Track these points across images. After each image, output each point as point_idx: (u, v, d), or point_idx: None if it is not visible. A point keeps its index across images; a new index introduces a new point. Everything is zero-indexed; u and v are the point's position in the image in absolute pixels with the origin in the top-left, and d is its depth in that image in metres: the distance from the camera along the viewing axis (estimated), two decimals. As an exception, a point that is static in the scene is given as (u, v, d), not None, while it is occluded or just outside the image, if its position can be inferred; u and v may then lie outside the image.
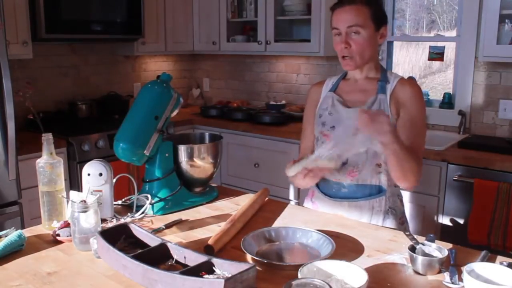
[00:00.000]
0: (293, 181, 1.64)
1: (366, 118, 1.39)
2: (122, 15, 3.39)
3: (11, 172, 2.48)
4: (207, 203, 1.74)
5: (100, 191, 1.50)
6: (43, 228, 1.48)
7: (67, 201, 1.45)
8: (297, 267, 1.13)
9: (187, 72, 4.50)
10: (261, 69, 4.09)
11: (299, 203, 3.07)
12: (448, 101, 3.16)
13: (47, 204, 1.47)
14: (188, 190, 1.72)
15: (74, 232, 1.33)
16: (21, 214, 2.59)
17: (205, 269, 1.11)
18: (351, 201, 1.66)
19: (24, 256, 1.30)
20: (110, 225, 1.46)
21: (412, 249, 1.23)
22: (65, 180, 1.54)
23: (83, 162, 2.17)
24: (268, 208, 1.69)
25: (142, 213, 1.59)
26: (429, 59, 3.30)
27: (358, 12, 1.59)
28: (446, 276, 1.17)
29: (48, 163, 1.44)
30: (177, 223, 1.54)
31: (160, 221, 1.55)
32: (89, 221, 1.32)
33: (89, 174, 1.50)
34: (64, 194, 1.49)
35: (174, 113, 1.69)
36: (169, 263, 1.19)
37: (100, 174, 1.50)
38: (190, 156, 1.70)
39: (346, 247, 1.35)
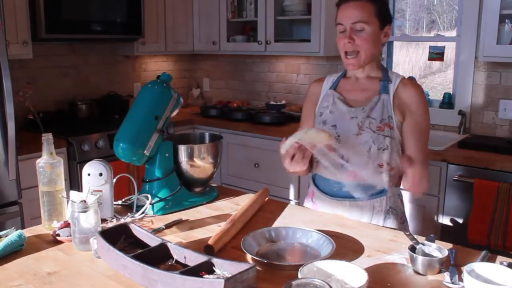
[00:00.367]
0: (283, 162, 1.56)
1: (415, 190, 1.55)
2: (122, 15, 3.39)
3: (11, 172, 2.48)
4: (207, 203, 1.74)
5: (100, 191, 1.50)
6: (43, 228, 1.48)
7: (67, 201, 1.45)
8: (297, 267, 1.13)
9: (187, 72, 4.50)
10: (261, 69, 4.09)
11: (299, 203, 3.07)
12: (448, 101, 3.16)
13: (47, 204, 1.47)
14: (188, 190, 1.72)
15: (74, 232, 1.32)
16: (21, 214, 2.59)
17: (205, 269, 1.11)
18: (352, 200, 1.66)
19: (24, 256, 1.30)
20: (110, 225, 1.46)
21: (412, 249, 1.23)
22: (65, 180, 1.53)
23: (83, 162, 2.17)
24: (268, 208, 1.69)
25: (142, 213, 1.59)
26: (429, 59, 3.30)
27: (364, 8, 1.59)
28: (446, 276, 1.17)
29: (48, 163, 1.44)
30: (177, 223, 1.54)
31: (160, 221, 1.55)
32: (89, 221, 1.32)
33: (89, 174, 1.50)
34: (64, 194, 1.49)
35: (174, 113, 1.69)
36: (169, 263, 1.19)
37: (100, 174, 1.50)
38: (190, 156, 1.70)
39: (346, 247, 1.34)
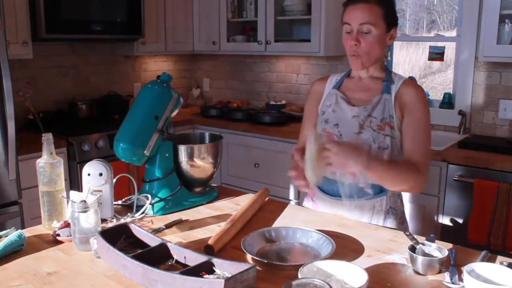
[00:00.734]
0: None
1: (336, 162, 1.37)
2: (122, 15, 3.39)
3: (11, 172, 2.48)
4: (207, 203, 1.74)
5: (100, 191, 1.50)
6: (43, 228, 1.48)
7: (67, 201, 1.45)
8: (297, 267, 1.13)
9: (187, 72, 4.50)
10: (261, 69, 4.09)
11: (299, 203, 3.07)
12: (448, 101, 3.16)
13: (47, 204, 1.47)
14: (188, 190, 1.72)
15: (74, 232, 1.32)
16: (21, 214, 2.60)
17: (205, 269, 1.11)
18: (352, 200, 1.66)
19: (24, 256, 1.30)
20: (110, 225, 1.46)
21: (412, 249, 1.23)
22: (65, 180, 1.53)
23: (83, 162, 2.17)
24: (268, 208, 1.69)
25: (142, 213, 1.59)
26: (429, 59, 3.30)
27: (372, 11, 1.59)
28: (446, 276, 1.17)
29: (48, 163, 1.44)
30: (177, 223, 1.54)
31: (160, 221, 1.55)
32: (89, 221, 1.32)
33: (89, 174, 1.50)
34: (64, 194, 1.49)
35: (174, 113, 1.69)
36: (169, 263, 1.19)
37: (100, 174, 1.50)
38: (190, 156, 1.70)
39: (346, 247, 1.35)
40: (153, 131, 1.61)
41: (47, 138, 1.44)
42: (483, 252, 1.28)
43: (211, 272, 1.11)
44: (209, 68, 4.45)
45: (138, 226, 1.33)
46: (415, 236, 1.29)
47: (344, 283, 1.11)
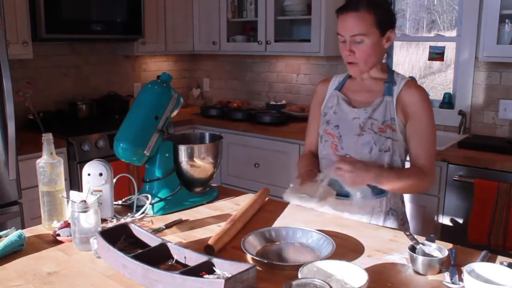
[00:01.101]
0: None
1: (349, 180, 1.50)
2: (122, 15, 3.39)
3: (11, 172, 2.48)
4: (207, 203, 1.74)
5: (100, 191, 1.50)
6: (43, 228, 1.48)
7: (67, 201, 1.45)
8: (297, 267, 1.13)
9: (187, 72, 4.50)
10: (261, 69, 4.09)
11: (299, 203, 3.07)
12: (448, 101, 3.16)
13: (47, 204, 1.47)
14: (188, 190, 1.72)
15: (74, 232, 1.33)
16: (21, 214, 2.59)
17: (205, 269, 1.11)
18: (352, 200, 1.66)
19: (24, 256, 1.30)
20: (110, 225, 1.46)
21: (412, 249, 1.23)
22: (65, 180, 1.54)
23: (83, 162, 2.17)
24: (268, 208, 1.69)
25: (142, 213, 1.59)
26: (429, 59, 3.30)
27: (362, 20, 1.56)
28: (446, 276, 1.17)
29: (48, 163, 1.44)
30: (177, 223, 1.54)
31: (160, 221, 1.55)
32: (89, 221, 1.32)
33: (89, 174, 1.50)
34: (64, 194, 1.49)
35: (174, 113, 1.69)
36: (169, 263, 1.19)
37: (100, 174, 1.50)
38: (190, 156, 1.70)
39: (346, 247, 1.35)
40: (153, 131, 1.61)
41: (47, 138, 1.44)
42: (483, 252, 1.28)
43: (211, 272, 1.11)
44: (209, 68, 4.45)
45: (138, 226, 1.33)
46: (415, 236, 1.29)
47: (344, 283, 1.11)
